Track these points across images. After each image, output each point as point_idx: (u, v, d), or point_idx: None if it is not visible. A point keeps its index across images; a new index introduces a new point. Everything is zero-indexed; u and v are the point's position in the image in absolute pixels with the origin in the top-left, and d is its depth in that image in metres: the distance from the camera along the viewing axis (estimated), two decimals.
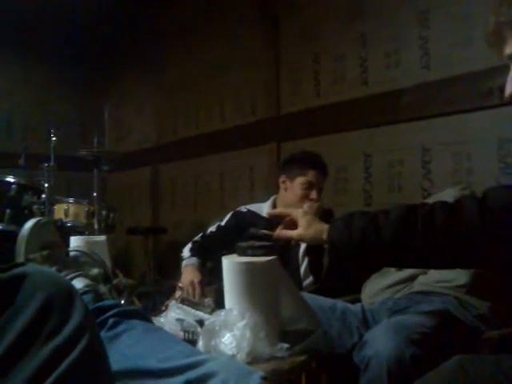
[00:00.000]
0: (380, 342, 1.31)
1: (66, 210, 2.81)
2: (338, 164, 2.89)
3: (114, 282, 2.16)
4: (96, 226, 2.62)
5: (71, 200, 2.90)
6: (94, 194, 2.69)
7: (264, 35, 3.40)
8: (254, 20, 3.47)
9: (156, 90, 4.51)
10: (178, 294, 1.31)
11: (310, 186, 2.10)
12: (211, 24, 3.84)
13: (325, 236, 1.15)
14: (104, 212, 2.78)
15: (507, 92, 0.96)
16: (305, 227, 1.20)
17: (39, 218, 1.08)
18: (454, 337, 1.48)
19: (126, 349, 0.87)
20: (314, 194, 2.08)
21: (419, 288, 1.75)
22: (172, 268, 2.97)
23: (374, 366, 1.28)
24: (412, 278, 1.80)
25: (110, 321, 0.91)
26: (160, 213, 4.46)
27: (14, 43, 4.50)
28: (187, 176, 4.09)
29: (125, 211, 4.53)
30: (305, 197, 2.08)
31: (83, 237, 1.25)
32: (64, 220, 2.77)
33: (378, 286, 1.89)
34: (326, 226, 1.16)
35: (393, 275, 1.87)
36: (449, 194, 1.90)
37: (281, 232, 1.26)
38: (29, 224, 1.05)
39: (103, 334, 0.89)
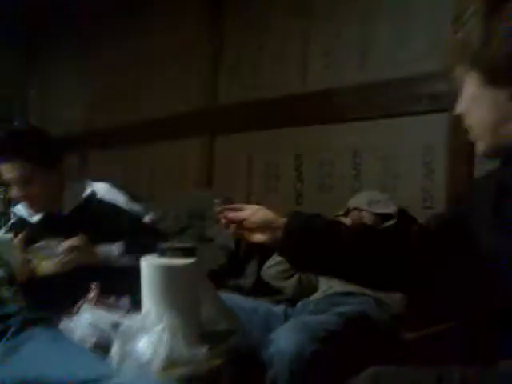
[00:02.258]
0: (283, 340, 1.37)
1: None
2: (269, 161, 2.89)
3: None
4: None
5: None
6: None
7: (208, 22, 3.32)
8: (197, 5, 3.38)
9: (86, 72, 4.30)
10: (91, 294, 1.24)
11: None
12: (151, 7, 3.70)
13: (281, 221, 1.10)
14: None
15: (457, 110, 0.98)
16: (253, 211, 1.14)
17: None
18: (366, 337, 1.52)
19: (26, 360, 0.81)
20: (14, 192, 1.61)
21: (339, 289, 1.78)
22: None
23: (277, 363, 1.34)
24: None
25: (11, 330, 0.85)
26: None
27: None
28: (117, 165, 3.95)
29: None
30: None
31: None
32: None
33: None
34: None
35: None
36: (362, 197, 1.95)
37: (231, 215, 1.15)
38: None
39: (3, 342, 0.83)
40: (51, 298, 1.14)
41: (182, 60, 3.47)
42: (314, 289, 1.94)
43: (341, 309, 1.63)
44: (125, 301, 1.31)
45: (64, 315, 1.17)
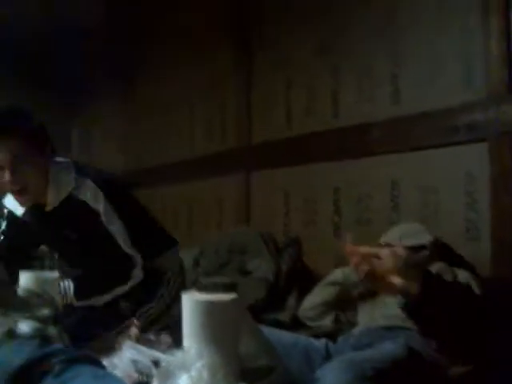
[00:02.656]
0: (330, 379, 1.29)
1: None
2: (308, 196, 2.89)
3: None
4: None
5: None
6: None
7: (236, 61, 3.41)
8: (227, 45, 3.48)
9: (124, 116, 4.46)
10: (133, 331, 1.26)
11: None
12: (183, 47, 3.84)
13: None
14: None
15: None
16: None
17: None
18: (413, 372, 1.47)
19: None
20: (5, 176, 1.58)
21: (382, 323, 1.73)
22: None
23: None
24: None
25: (57, 367, 0.86)
26: None
27: None
28: (155, 204, 4.03)
29: None
30: None
31: (34, 273, 1.18)
32: None
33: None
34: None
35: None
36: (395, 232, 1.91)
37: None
38: None
39: (49, 381, 0.84)
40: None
41: (214, 100, 3.55)
42: (353, 325, 1.90)
43: (386, 344, 1.57)
44: (166, 336, 1.31)
45: (107, 352, 1.19)
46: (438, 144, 2.30)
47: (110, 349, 1.23)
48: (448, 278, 1.73)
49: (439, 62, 2.32)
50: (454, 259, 1.91)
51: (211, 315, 1.12)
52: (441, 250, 1.91)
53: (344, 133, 2.71)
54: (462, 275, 1.81)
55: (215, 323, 1.12)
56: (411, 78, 2.44)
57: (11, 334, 0.93)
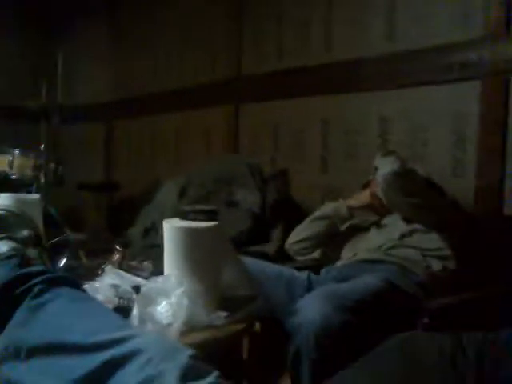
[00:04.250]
0: (309, 309, 1.33)
1: (10, 161, 2.66)
2: (296, 129, 2.86)
3: (61, 237, 2.10)
4: (42, 180, 2.52)
5: (17, 151, 2.75)
6: (42, 147, 2.58)
7: None
8: None
9: (115, 41, 4.31)
10: (115, 256, 1.26)
11: None
12: None
13: None
14: (52, 165, 2.66)
15: None
16: None
17: None
18: (393, 305, 1.51)
19: (49, 320, 0.82)
20: None
21: (364, 256, 1.77)
22: (124, 226, 2.92)
23: (302, 332, 1.31)
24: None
25: (36, 288, 0.86)
26: (114, 169, 4.35)
27: None
28: (143, 132, 3.98)
29: (77, 166, 4.38)
30: None
31: (14, 194, 1.17)
32: (8, 172, 2.64)
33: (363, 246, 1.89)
34: None
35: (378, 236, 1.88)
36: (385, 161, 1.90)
37: None
38: None
39: (27, 302, 0.84)
40: None
41: (206, 32, 3.44)
42: (338, 257, 1.93)
43: (366, 276, 1.61)
44: (148, 264, 1.32)
45: (89, 276, 1.20)
46: (430, 81, 2.27)
47: (92, 273, 1.25)
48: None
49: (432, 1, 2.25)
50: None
51: (191, 241, 1.12)
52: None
53: (336, 67, 2.65)
54: None
55: (195, 249, 1.13)
56: (408, 14, 2.36)
57: None
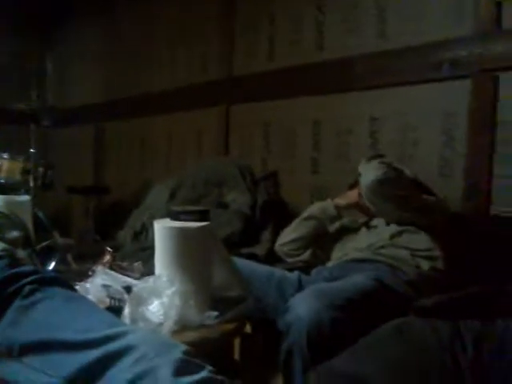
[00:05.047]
0: (301, 307, 1.34)
1: None
2: (287, 130, 2.87)
3: (49, 241, 2.09)
4: (31, 184, 2.51)
5: (5, 156, 2.74)
6: (31, 150, 2.57)
7: None
8: None
9: (104, 42, 4.30)
10: (106, 258, 1.26)
11: None
12: None
13: None
14: (41, 169, 2.65)
15: None
16: None
17: None
18: (383, 303, 1.52)
19: (41, 318, 0.82)
20: None
21: (354, 255, 1.77)
22: (113, 229, 2.91)
23: (294, 330, 1.32)
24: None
25: (26, 288, 0.86)
26: (104, 172, 4.34)
27: None
28: (134, 135, 3.97)
29: (66, 169, 4.37)
30: None
31: (4, 196, 1.16)
32: None
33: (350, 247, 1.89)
34: None
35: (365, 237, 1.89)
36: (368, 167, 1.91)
37: None
38: None
39: (18, 302, 0.84)
40: None
41: (198, 32, 3.44)
42: (328, 258, 1.94)
43: (356, 276, 1.62)
44: (139, 265, 1.32)
45: (80, 277, 1.20)
46: (420, 80, 2.27)
47: (83, 274, 1.24)
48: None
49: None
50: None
51: (182, 241, 1.12)
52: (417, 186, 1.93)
53: (327, 66, 2.66)
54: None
55: (185, 249, 1.13)
56: (398, 12, 2.37)
57: None
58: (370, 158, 1.89)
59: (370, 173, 1.78)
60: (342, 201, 1.98)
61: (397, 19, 2.38)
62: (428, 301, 1.63)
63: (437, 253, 1.72)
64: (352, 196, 1.96)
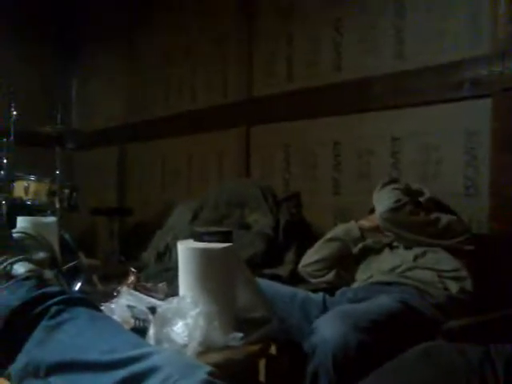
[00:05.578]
0: (326, 329, 1.32)
1: (26, 187, 2.71)
2: (308, 150, 2.87)
3: (75, 262, 2.11)
4: (57, 205, 2.55)
5: (32, 177, 2.80)
6: (57, 172, 2.62)
7: (239, 12, 3.33)
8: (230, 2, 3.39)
9: (126, 66, 4.39)
10: (131, 278, 1.27)
11: None
12: (186, 3, 3.75)
13: None
14: (66, 191, 2.70)
15: None
16: None
17: None
18: (409, 326, 1.49)
19: (67, 339, 0.83)
20: None
21: (379, 278, 1.75)
22: (137, 250, 2.93)
23: (319, 352, 1.30)
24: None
25: (53, 309, 0.86)
26: (126, 193, 4.39)
27: None
28: (155, 156, 4.02)
29: (90, 191, 4.44)
30: None
31: (31, 218, 1.19)
32: (24, 198, 2.68)
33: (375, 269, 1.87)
34: None
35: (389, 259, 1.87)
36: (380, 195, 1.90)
37: None
38: None
39: (44, 322, 0.85)
40: None
41: (217, 55, 3.49)
42: (352, 279, 1.92)
43: (382, 297, 1.59)
44: (163, 286, 1.32)
45: (105, 298, 1.20)
46: (441, 99, 2.27)
47: (108, 295, 1.25)
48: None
49: (446, 16, 2.26)
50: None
51: (206, 262, 1.12)
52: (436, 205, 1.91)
53: (346, 87, 2.67)
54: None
55: (209, 270, 1.13)
56: (416, 32, 2.38)
57: (7, 275, 0.93)
58: (384, 185, 1.90)
59: (382, 202, 1.80)
60: (365, 223, 1.98)
61: (415, 39, 2.39)
62: (456, 324, 1.60)
63: (464, 273, 1.68)
64: (374, 219, 1.95)
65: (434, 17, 2.31)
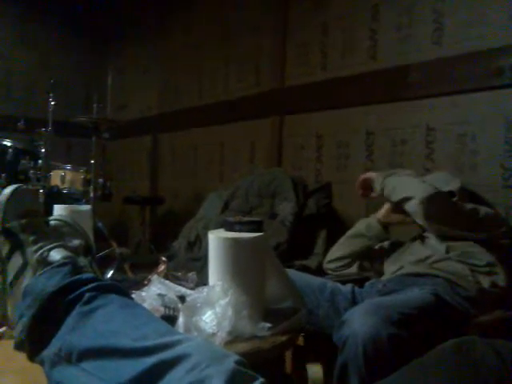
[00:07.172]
0: (357, 322, 1.29)
1: (62, 176, 2.78)
2: (341, 140, 2.84)
3: (108, 251, 2.15)
4: (92, 194, 2.60)
5: (68, 167, 2.87)
6: (92, 162, 2.67)
7: (272, 5, 3.31)
8: None
9: (159, 57, 4.43)
10: (161, 267, 1.29)
11: None
12: None
13: None
14: (101, 180, 2.75)
15: None
16: None
17: (19, 185, 1.04)
18: (440, 319, 1.46)
19: (99, 325, 0.84)
20: None
21: (409, 270, 1.72)
22: (167, 239, 2.97)
23: (350, 345, 1.27)
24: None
25: (86, 295, 0.88)
26: (159, 182, 4.44)
27: (14, 3, 4.42)
28: (188, 146, 4.05)
29: (124, 180, 4.51)
30: None
31: (67, 206, 1.22)
32: (60, 187, 2.75)
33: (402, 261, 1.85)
34: None
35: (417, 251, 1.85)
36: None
37: None
38: (7, 190, 1.01)
39: (78, 308, 0.86)
40: None
41: (251, 44, 3.48)
42: (378, 272, 1.91)
43: (413, 290, 1.57)
44: (193, 275, 1.34)
45: (136, 286, 1.23)
46: (479, 87, 2.21)
47: (139, 283, 1.27)
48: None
49: (486, 2, 2.19)
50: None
51: (236, 252, 1.13)
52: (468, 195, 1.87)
53: (380, 75, 2.62)
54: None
55: (239, 260, 1.13)
56: (456, 18, 2.31)
57: (44, 262, 0.96)
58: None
59: (417, 190, 1.74)
60: (383, 213, 1.97)
61: (454, 25, 2.32)
62: (488, 318, 1.57)
63: (497, 268, 1.64)
64: (393, 211, 1.93)
65: (474, 2, 2.24)
